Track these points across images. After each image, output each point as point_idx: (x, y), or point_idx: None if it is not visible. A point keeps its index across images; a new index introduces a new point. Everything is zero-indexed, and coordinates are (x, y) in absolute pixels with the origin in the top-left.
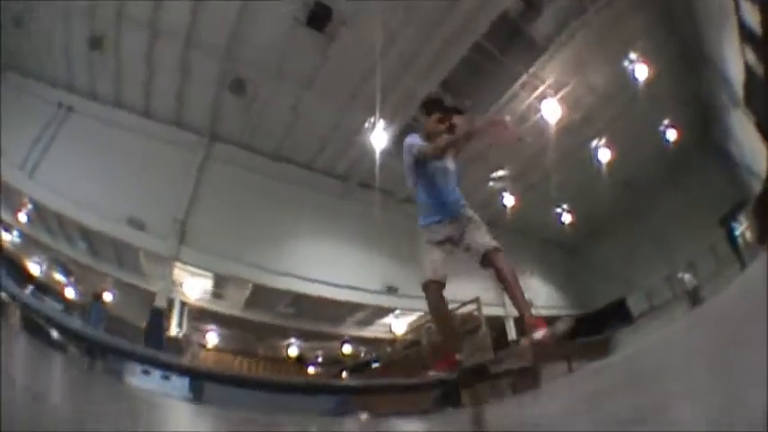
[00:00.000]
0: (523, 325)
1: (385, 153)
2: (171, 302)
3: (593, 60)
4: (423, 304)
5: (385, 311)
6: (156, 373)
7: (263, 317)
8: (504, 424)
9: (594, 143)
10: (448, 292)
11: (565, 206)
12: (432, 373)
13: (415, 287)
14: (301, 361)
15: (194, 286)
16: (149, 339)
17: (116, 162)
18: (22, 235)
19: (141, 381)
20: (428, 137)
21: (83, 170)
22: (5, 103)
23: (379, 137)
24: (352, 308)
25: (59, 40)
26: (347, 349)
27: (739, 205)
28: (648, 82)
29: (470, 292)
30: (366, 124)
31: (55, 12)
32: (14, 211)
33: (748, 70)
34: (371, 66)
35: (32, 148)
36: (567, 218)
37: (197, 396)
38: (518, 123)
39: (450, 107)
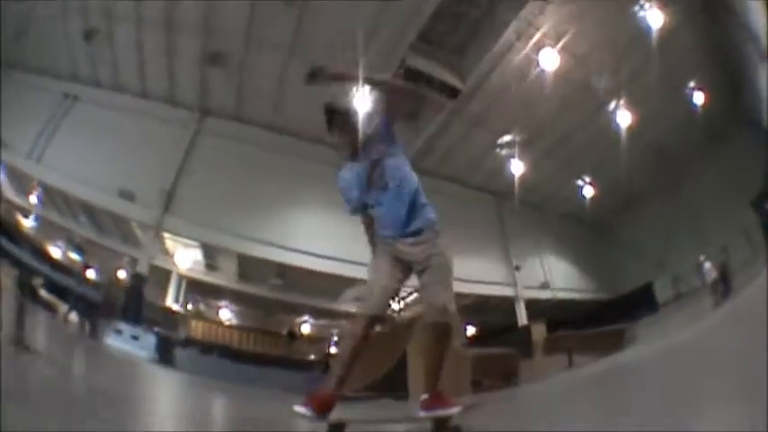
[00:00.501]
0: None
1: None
2: (168, 275)
3: (597, 7)
4: None
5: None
6: (127, 333)
7: (258, 290)
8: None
9: (612, 105)
10: None
11: (586, 178)
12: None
13: None
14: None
15: (185, 257)
16: (127, 305)
17: (113, 141)
18: (37, 218)
19: (113, 339)
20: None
21: (84, 152)
22: (11, 99)
23: (362, 98)
24: (349, 282)
25: (58, 37)
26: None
27: None
28: (666, 34)
29: (472, 270)
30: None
31: (53, 14)
32: (26, 195)
33: None
34: (348, 22)
35: (39, 137)
36: (588, 191)
37: (162, 358)
38: (518, 80)
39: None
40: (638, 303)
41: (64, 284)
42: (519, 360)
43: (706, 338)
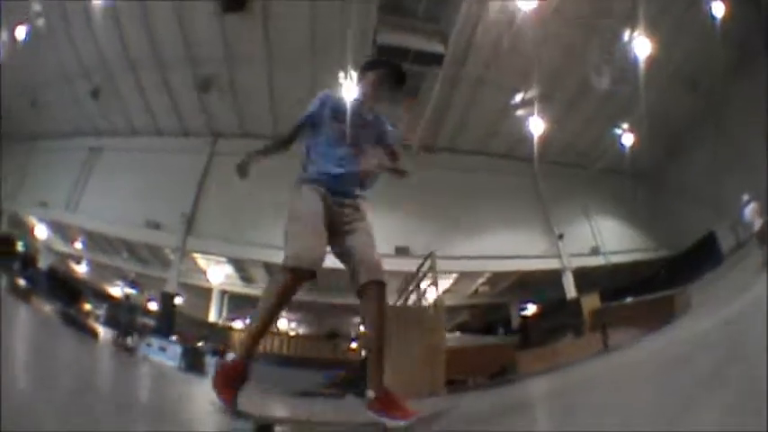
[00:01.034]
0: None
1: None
2: (209, 292)
3: None
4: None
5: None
6: (156, 345)
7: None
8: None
9: (627, 36)
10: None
11: (623, 125)
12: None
13: (429, 245)
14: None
15: (216, 272)
16: (159, 321)
17: (137, 179)
18: (89, 262)
19: (144, 350)
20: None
21: (113, 194)
22: (44, 165)
23: (348, 88)
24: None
25: (68, 101)
26: None
27: None
28: None
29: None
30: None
31: (57, 81)
32: (71, 242)
33: None
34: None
35: (73, 190)
36: (628, 139)
37: (189, 366)
38: (507, 28)
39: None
40: (701, 258)
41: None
42: (513, 352)
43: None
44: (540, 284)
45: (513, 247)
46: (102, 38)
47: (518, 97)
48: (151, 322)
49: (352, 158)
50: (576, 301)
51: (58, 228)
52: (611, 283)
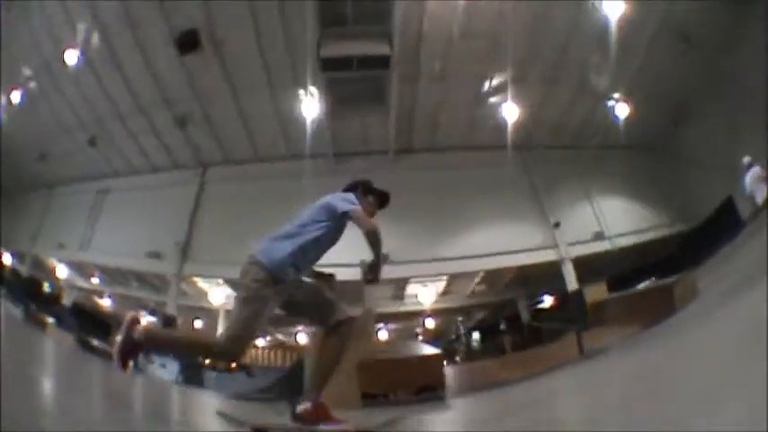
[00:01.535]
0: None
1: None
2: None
3: None
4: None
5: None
6: (157, 362)
7: None
8: None
9: None
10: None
11: (614, 95)
12: None
13: (410, 250)
14: None
15: (216, 294)
16: None
17: (139, 214)
18: (110, 295)
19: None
20: None
21: (119, 230)
22: (60, 210)
23: (308, 104)
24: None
25: (75, 151)
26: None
27: None
28: None
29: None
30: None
31: (62, 136)
32: (88, 278)
33: None
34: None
35: (85, 230)
36: (622, 109)
37: (188, 380)
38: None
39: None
40: (723, 228)
41: None
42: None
43: None
44: (541, 278)
45: (505, 243)
46: (88, 92)
47: (486, 84)
48: None
49: None
50: (578, 293)
51: (75, 266)
52: (621, 269)
